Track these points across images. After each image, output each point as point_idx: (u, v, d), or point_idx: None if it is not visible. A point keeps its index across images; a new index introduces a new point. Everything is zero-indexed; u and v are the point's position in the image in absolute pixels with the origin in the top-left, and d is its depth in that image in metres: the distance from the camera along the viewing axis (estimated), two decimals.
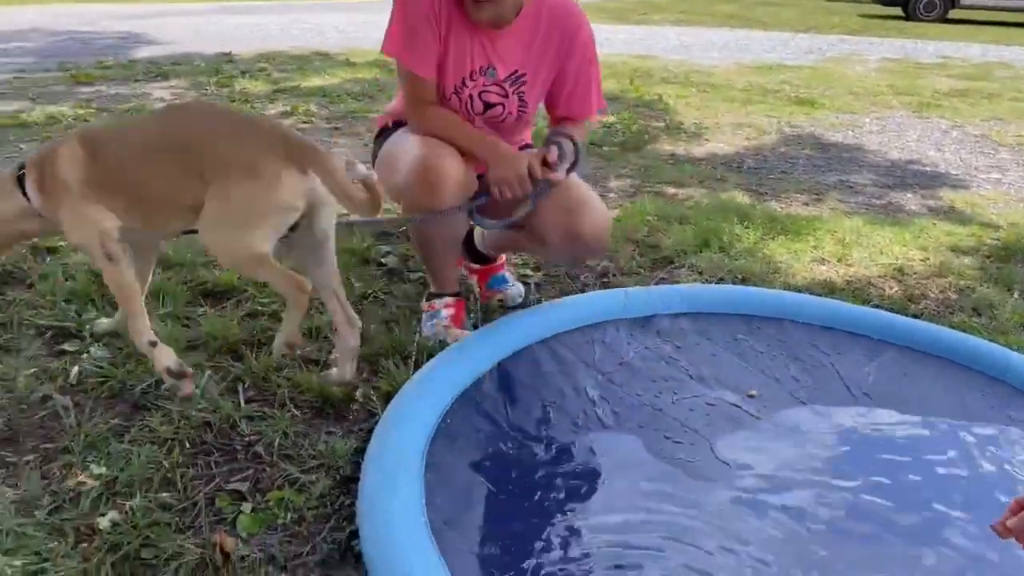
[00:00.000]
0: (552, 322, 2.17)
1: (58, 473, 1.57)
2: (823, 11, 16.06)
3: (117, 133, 1.90)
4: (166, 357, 1.80)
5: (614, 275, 2.68)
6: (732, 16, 13.95)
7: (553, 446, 1.74)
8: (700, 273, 2.72)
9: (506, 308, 2.38)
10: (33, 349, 2.00)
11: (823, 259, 2.93)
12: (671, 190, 3.72)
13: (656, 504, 1.56)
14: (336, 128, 4.63)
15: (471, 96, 2.03)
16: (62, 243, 2.64)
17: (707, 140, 4.84)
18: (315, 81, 6.05)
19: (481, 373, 1.94)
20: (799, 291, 2.56)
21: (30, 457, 1.62)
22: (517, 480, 1.63)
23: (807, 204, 3.66)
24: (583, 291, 2.54)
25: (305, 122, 4.74)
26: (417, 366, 1.99)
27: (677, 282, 2.64)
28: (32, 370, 1.91)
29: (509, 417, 1.81)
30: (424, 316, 2.21)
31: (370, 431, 1.75)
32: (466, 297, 2.33)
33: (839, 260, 2.92)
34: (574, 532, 1.49)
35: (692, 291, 2.44)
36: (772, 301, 2.40)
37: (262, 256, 1.71)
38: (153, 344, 1.80)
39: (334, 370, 1.95)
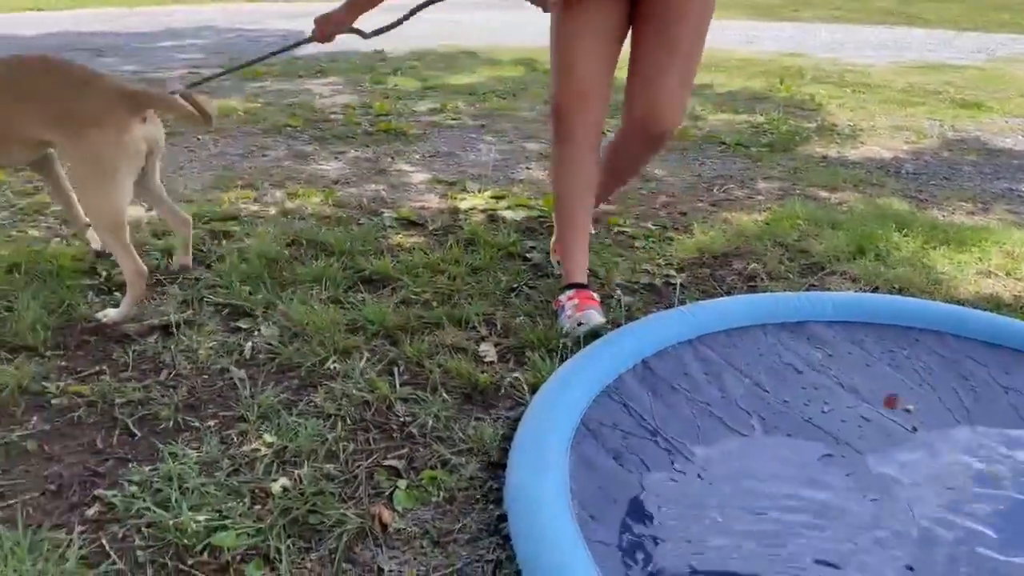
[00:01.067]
0: (699, 323, 2.16)
1: (235, 439, 1.72)
2: (992, 8, 14.93)
3: None
4: None
5: (762, 279, 2.62)
6: (890, 13, 13.21)
7: (697, 448, 1.73)
8: (854, 281, 2.63)
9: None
10: (212, 325, 2.18)
11: (989, 272, 2.75)
12: (823, 194, 3.60)
13: (804, 517, 1.53)
14: (482, 125, 4.75)
15: None
16: (236, 228, 2.86)
17: (862, 143, 4.63)
18: (463, 79, 6.22)
19: (625, 369, 1.96)
20: (962, 305, 2.43)
21: (211, 423, 1.77)
22: (660, 478, 1.64)
23: (972, 213, 3.44)
24: (729, 293, 2.51)
25: (453, 119, 4.88)
26: (562, 359, 2.03)
27: (828, 289, 2.56)
28: (211, 344, 2.09)
29: (654, 415, 1.82)
30: (558, 312, 2.27)
31: (516, 420, 1.81)
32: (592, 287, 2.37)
33: (1007, 274, 2.74)
34: (717, 535, 1.49)
35: (846, 299, 2.36)
36: (933, 313, 2.28)
37: (122, 223, 2.11)
38: None
39: (178, 258, 2.49)
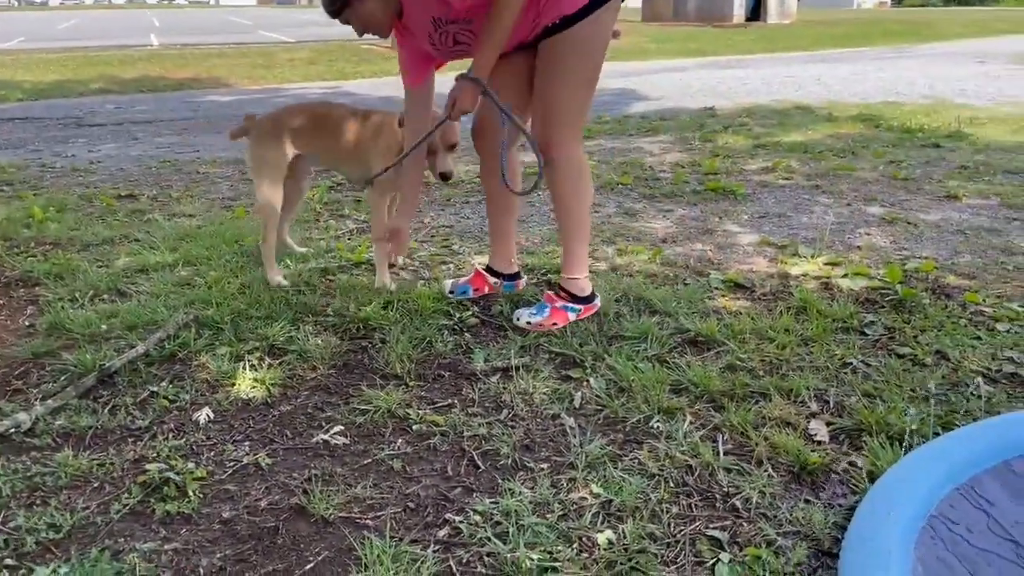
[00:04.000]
0: None
1: (564, 484, 1.82)
2: None
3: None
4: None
5: None
6: None
7: None
8: None
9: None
10: (547, 371, 2.34)
11: None
12: None
13: None
14: (816, 185, 4.56)
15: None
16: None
17: None
18: (795, 136, 6.04)
19: (983, 468, 1.76)
20: None
21: (544, 466, 1.90)
22: None
23: None
24: None
25: (786, 178, 4.75)
26: (907, 448, 1.88)
27: None
28: (545, 390, 2.24)
29: (1014, 523, 1.61)
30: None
31: (851, 508, 1.71)
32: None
33: None
34: None
35: None
36: None
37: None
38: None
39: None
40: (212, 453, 1.95)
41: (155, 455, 1.92)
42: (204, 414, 2.11)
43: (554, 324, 2.61)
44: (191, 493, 1.78)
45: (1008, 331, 2.55)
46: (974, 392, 2.16)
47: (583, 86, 2.47)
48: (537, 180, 2.45)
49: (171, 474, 1.83)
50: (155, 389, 2.23)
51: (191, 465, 1.88)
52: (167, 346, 2.47)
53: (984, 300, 2.79)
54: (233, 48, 16.09)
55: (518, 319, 2.65)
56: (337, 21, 2.39)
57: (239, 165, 5.43)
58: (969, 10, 40.25)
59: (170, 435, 2.03)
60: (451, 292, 2.86)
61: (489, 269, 2.92)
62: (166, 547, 1.62)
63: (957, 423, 1.99)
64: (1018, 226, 3.72)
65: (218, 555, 1.60)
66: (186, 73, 11.61)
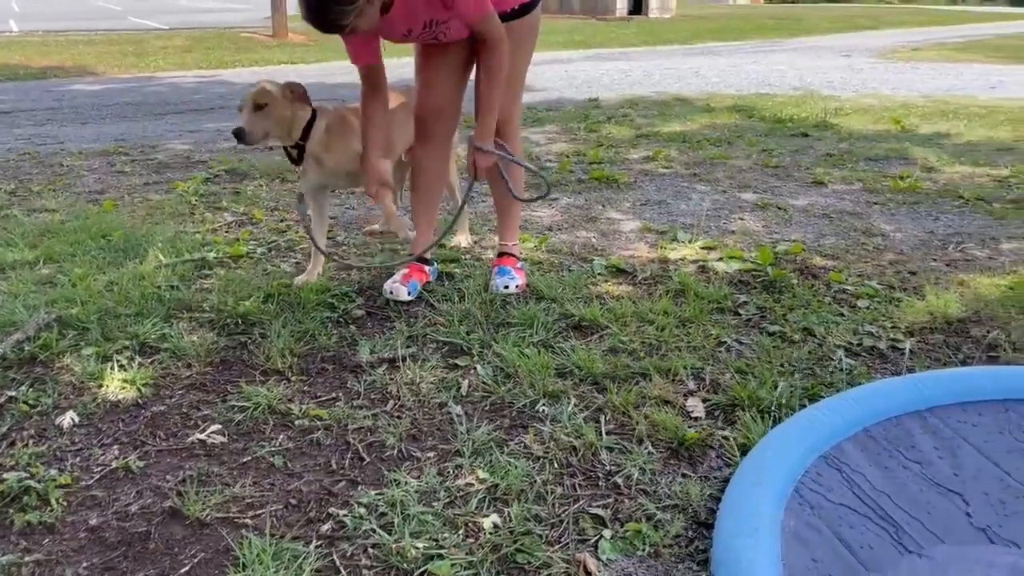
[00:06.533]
0: (928, 393, 2.01)
1: (451, 472, 1.82)
2: None
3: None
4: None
5: (1005, 349, 2.39)
6: None
7: (923, 525, 1.61)
8: None
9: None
10: (434, 360, 2.33)
11: None
12: None
13: None
14: (695, 174, 4.72)
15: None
16: (457, 270, 3.04)
17: None
18: (675, 126, 6.23)
19: (845, 437, 1.86)
20: None
21: (430, 454, 1.89)
22: (882, 557, 1.54)
23: None
24: (965, 363, 2.31)
25: (666, 167, 4.90)
26: (776, 420, 1.97)
27: None
28: (432, 379, 2.23)
29: (875, 488, 1.72)
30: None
31: (725, 480, 1.78)
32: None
33: None
34: None
35: None
36: None
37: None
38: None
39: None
40: (77, 459, 1.85)
41: (13, 463, 1.80)
42: (68, 418, 1.99)
43: (525, 285, 2.85)
44: (54, 501, 1.68)
45: (868, 307, 2.71)
46: (837, 365, 2.29)
47: (513, 82, 2.63)
48: (545, 192, 2.85)
49: (31, 482, 1.72)
50: (12, 394, 2.09)
51: (54, 472, 1.77)
52: (26, 348, 2.31)
53: (847, 279, 2.96)
54: (102, 35, 15.22)
55: (505, 288, 2.79)
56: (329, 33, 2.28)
57: (107, 156, 5.15)
58: (835, 6, 42.50)
59: (30, 441, 1.90)
60: (409, 294, 2.75)
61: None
62: (26, 559, 1.52)
63: (822, 395, 2.10)
64: (878, 210, 3.97)
65: (84, 564, 1.52)
66: (49, 61, 10.91)
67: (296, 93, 2.65)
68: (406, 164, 3.09)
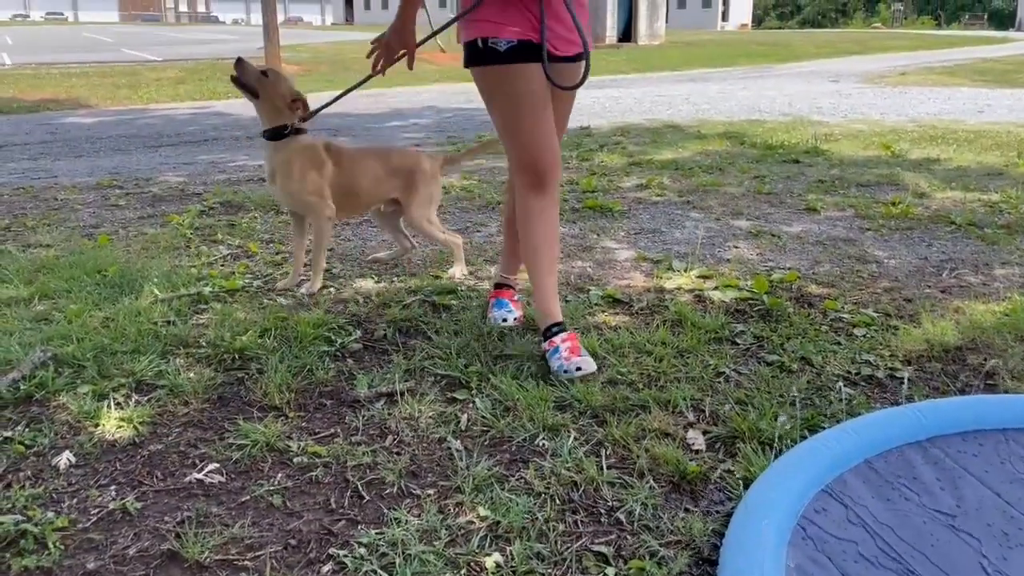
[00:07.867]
0: (929, 423, 2.01)
1: (452, 509, 1.80)
2: None
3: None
4: None
5: (1002, 378, 2.40)
6: None
7: (928, 558, 1.60)
8: None
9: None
10: (432, 395, 2.32)
11: None
12: None
13: None
14: (688, 202, 4.75)
15: None
16: (454, 301, 3.04)
17: None
18: (667, 154, 6.27)
19: (847, 468, 1.86)
20: None
21: (430, 491, 1.87)
22: None
23: None
24: (964, 392, 2.32)
25: (659, 195, 4.92)
26: (777, 453, 1.97)
27: None
28: (431, 413, 2.22)
29: (878, 520, 1.71)
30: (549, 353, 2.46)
31: (728, 514, 1.77)
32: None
33: None
34: None
35: None
36: None
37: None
38: None
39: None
40: (74, 500, 1.83)
41: (10, 506, 1.78)
42: (64, 458, 1.98)
43: (523, 317, 2.86)
44: (51, 545, 1.65)
45: (864, 336, 2.72)
46: (836, 395, 2.29)
47: (499, 132, 2.61)
48: None
49: (28, 525, 1.69)
50: (8, 434, 2.07)
51: (51, 514, 1.75)
52: (22, 387, 2.30)
53: (843, 307, 2.97)
54: (94, 67, 15.30)
55: (503, 320, 2.81)
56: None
57: (101, 190, 5.15)
58: (822, 32, 43.06)
59: (27, 483, 1.88)
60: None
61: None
62: None
63: (822, 425, 2.10)
64: (871, 236, 3.99)
65: None
66: (43, 94, 10.95)
67: (296, 101, 3.02)
68: (384, 213, 3.42)
